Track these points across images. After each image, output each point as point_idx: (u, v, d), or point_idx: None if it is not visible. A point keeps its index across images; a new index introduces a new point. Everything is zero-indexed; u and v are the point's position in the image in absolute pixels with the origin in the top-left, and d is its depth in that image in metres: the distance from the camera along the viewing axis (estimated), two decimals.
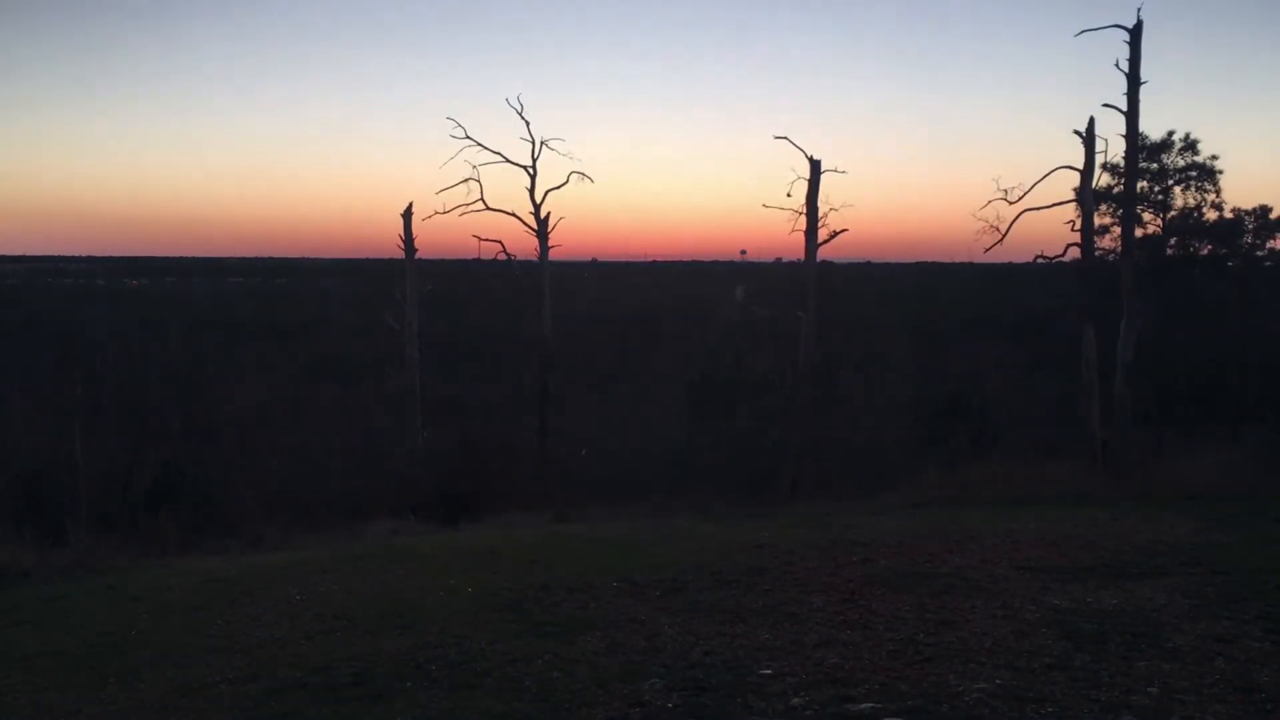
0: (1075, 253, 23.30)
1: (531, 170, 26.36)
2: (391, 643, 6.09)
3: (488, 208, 26.47)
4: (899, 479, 15.07)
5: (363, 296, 48.15)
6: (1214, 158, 24.49)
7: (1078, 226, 23.23)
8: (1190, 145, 24.53)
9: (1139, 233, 24.35)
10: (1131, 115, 22.06)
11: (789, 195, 23.85)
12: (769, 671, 5.14)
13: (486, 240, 27.15)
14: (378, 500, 17.84)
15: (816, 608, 6.48)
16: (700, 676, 5.10)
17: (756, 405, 26.92)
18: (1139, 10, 21.75)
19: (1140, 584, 6.91)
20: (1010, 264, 34.51)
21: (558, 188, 26.67)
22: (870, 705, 4.61)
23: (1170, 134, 24.66)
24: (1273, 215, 25.37)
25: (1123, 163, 23.13)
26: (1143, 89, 21.87)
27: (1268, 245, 25.77)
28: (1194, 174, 24.65)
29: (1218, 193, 24.62)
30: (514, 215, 26.57)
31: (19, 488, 18.11)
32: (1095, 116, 22.95)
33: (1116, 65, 21.75)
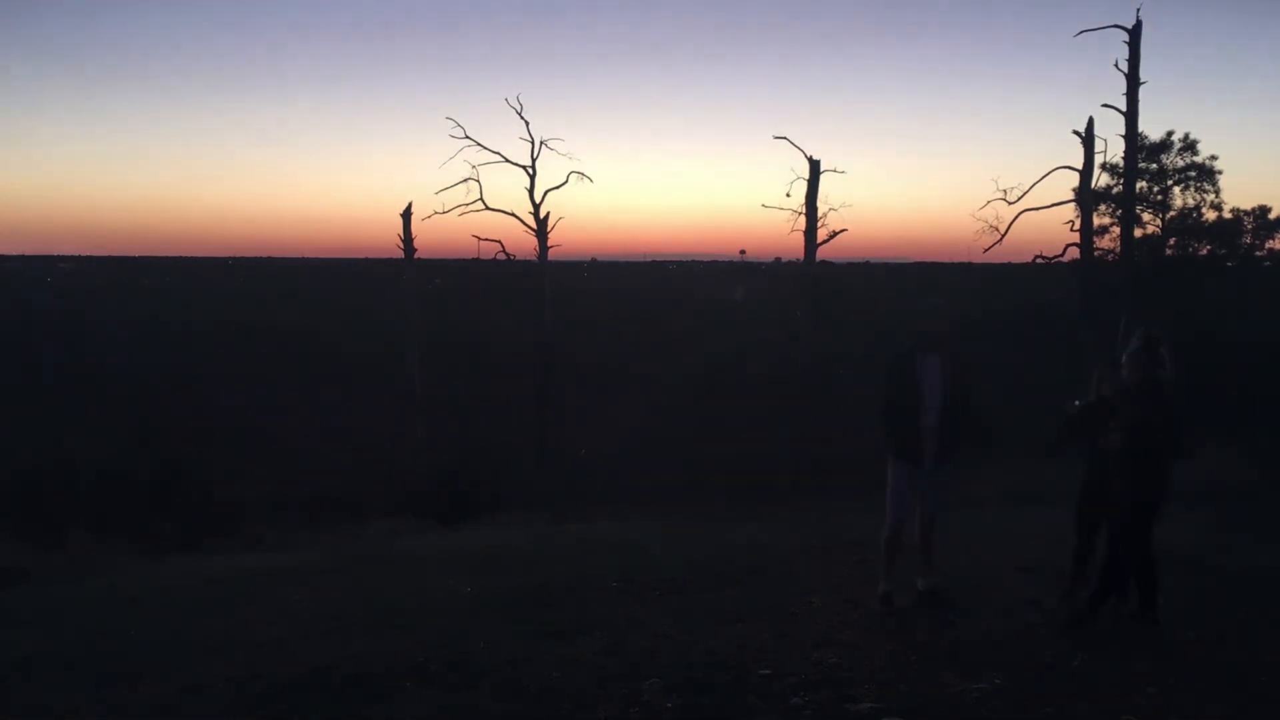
0: (1075, 253, 23.35)
1: (531, 170, 26.40)
2: (391, 643, 6.09)
3: (487, 208, 26.52)
4: None
5: (363, 296, 48.12)
6: (1213, 158, 24.51)
7: (1077, 227, 23.26)
8: (1189, 145, 24.54)
9: (1138, 233, 24.35)
10: (1131, 115, 22.08)
11: (788, 195, 23.93)
12: (769, 671, 5.14)
13: (486, 240, 27.20)
14: (377, 500, 17.82)
15: (816, 608, 6.49)
16: (700, 676, 5.10)
17: (756, 405, 26.89)
18: (1138, 10, 21.83)
19: None
20: (1009, 264, 34.48)
21: (557, 188, 26.72)
22: (870, 705, 4.61)
23: (1169, 134, 24.67)
24: (1272, 215, 25.35)
25: (1122, 163, 23.14)
26: (1142, 89, 21.92)
27: (1267, 245, 25.76)
28: (1193, 174, 24.64)
29: (1217, 193, 24.62)
30: (513, 215, 26.62)
31: (19, 488, 18.09)
32: (1095, 117, 23.01)
33: (1116, 65, 21.82)
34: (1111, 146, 32.85)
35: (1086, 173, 22.94)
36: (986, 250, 24.01)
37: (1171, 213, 24.95)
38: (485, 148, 26.48)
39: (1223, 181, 24.56)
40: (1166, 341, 5.62)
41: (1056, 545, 8.48)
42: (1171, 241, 25.30)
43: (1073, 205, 23.47)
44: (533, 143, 26.45)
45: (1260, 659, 5.20)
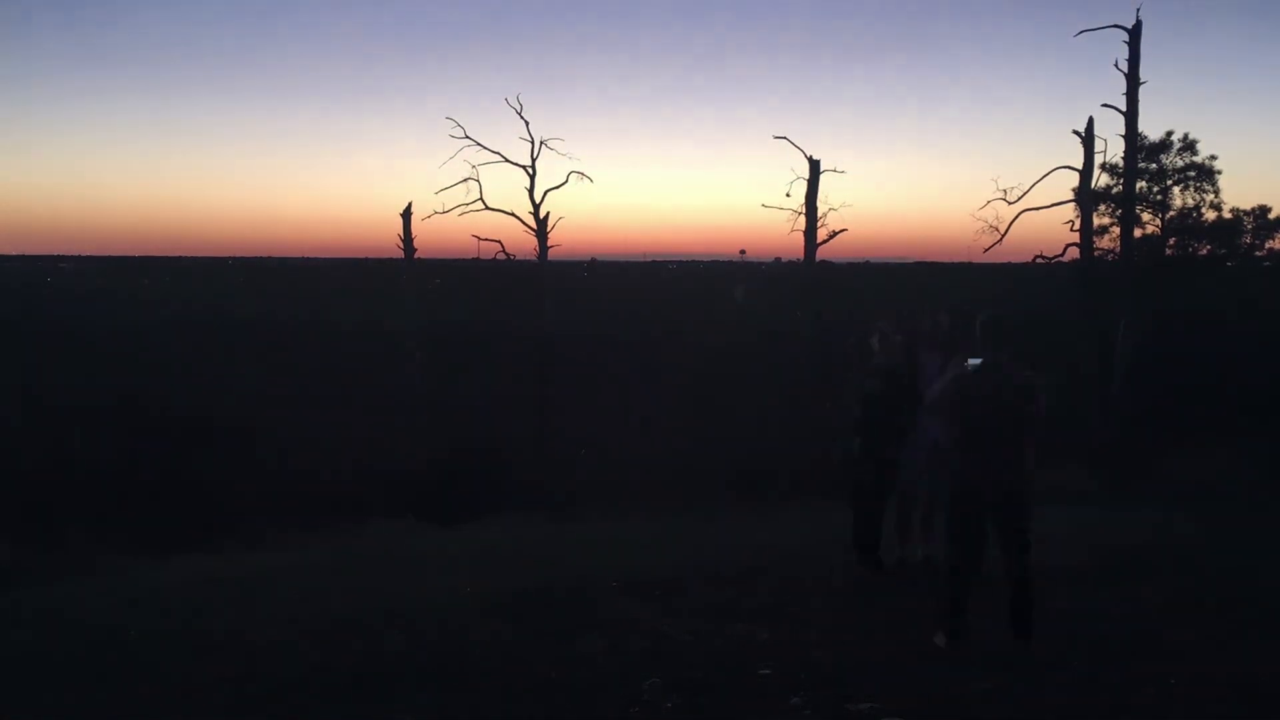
0: (1074, 253, 23.36)
1: (531, 170, 26.41)
2: (391, 643, 6.09)
3: (487, 207, 26.53)
4: None
5: (362, 296, 48.08)
6: (1213, 158, 24.49)
7: (1077, 227, 23.26)
8: (1189, 145, 24.52)
9: (1138, 233, 24.35)
10: (1130, 115, 22.09)
11: (788, 195, 24.00)
12: (769, 671, 5.14)
13: (486, 240, 27.22)
14: (377, 500, 17.81)
15: (816, 608, 6.49)
16: (700, 676, 5.10)
17: (756, 404, 26.91)
18: (1138, 10, 21.89)
19: (1140, 584, 6.92)
20: (1009, 264, 34.54)
21: (557, 187, 26.73)
22: (870, 705, 4.61)
23: (1169, 134, 24.66)
24: (1271, 215, 25.35)
25: (1122, 163, 23.14)
26: (1142, 89, 21.93)
27: (1267, 245, 25.77)
28: (1193, 174, 24.63)
29: (1216, 193, 24.60)
30: (513, 215, 26.63)
31: (18, 488, 18.08)
32: (1094, 117, 23.03)
33: (1116, 65, 21.84)
34: (1111, 146, 32.81)
35: (1086, 173, 22.95)
36: (987, 250, 24.06)
37: (1171, 213, 24.94)
38: (485, 148, 26.50)
39: (1222, 181, 24.56)
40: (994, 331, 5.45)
41: (1055, 546, 8.48)
42: (1171, 241, 25.29)
43: (1073, 205, 23.49)
44: (533, 143, 26.48)
45: (1261, 659, 5.20)
